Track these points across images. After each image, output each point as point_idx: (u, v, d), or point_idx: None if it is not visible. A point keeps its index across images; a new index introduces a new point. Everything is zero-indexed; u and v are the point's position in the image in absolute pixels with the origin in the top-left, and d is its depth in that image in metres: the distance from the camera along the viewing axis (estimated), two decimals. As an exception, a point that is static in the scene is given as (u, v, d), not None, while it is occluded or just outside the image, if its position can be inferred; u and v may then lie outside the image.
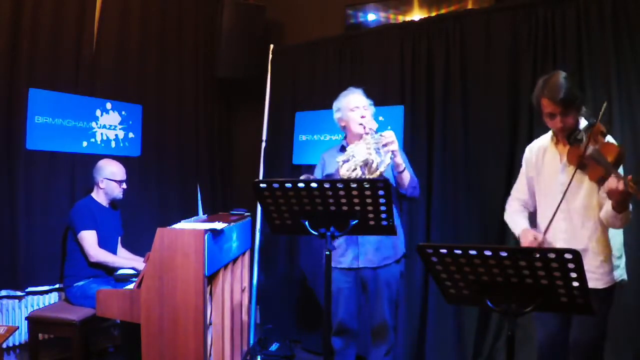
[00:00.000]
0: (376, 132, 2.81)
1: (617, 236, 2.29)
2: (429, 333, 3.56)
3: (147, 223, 3.86)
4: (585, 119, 2.26)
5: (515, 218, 2.50)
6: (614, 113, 2.90)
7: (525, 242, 2.30)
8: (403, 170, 2.72)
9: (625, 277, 2.31)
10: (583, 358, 2.26)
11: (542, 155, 2.40)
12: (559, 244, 2.29)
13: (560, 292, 1.60)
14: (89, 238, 3.28)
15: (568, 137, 2.24)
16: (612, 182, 1.98)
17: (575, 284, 1.57)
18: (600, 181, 2.11)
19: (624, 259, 2.31)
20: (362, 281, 2.91)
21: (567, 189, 2.17)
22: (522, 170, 2.53)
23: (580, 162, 2.15)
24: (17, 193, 3.43)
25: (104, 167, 3.46)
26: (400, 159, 2.71)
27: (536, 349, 2.49)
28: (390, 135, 2.65)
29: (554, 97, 2.15)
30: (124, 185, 3.52)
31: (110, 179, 3.44)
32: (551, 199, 2.30)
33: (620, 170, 2.13)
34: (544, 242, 2.24)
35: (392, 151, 2.64)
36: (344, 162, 2.70)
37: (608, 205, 2.10)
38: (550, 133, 2.38)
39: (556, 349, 2.37)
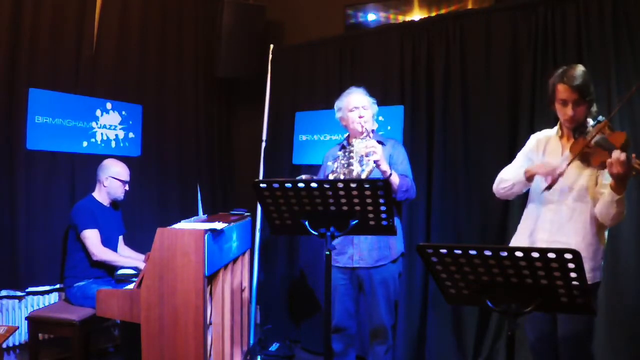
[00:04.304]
0: (375, 131, 2.84)
1: (601, 238, 2.30)
2: (429, 333, 3.56)
3: (147, 223, 3.86)
4: (593, 119, 2.26)
5: (509, 173, 2.46)
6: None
7: (545, 170, 2.25)
8: (390, 176, 2.71)
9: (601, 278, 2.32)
10: (571, 352, 2.28)
11: (546, 146, 2.41)
12: (540, 235, 2.30)
13: (560, 292, 1.60)
14: (92, 237, 3.28)
15: (574, 131, 2.25)
16: (615, 154, 2.01)
17: (575, 283, 1.57)
18: (603, 165, 2.10)
19: (603, 263, 2.33)
20: (358, 280, 2.92)
21: (568, 164, 2.17)
22: (524, 153, 2.51)
23: (583, 152, 2.15)
24: (17, 193, 3.43)
25: (110, 166, 3.46)
26: (386, 167, 2.70)
27: (528, 348, 2.50)
28: (371, 146, 2.66)
29: (571, 82, 2.20)
30: (127, 187, 3.52)
31: (115, 178, 3.44)
32: (546, 191, 2.30)
33: None
34: (562, 174, 2.20)
35: (375, 161, 2.65)
36: (330, 171, 2.79)
37: (607, 191, 2.12)
38: (556, 127, 2.39)
39: (546, 346, 2.39)
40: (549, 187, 2.24)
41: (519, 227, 2.46)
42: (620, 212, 2.14)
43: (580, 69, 2.25)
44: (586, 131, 2.21)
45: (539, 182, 2.35)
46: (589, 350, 2.31)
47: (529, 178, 2.34)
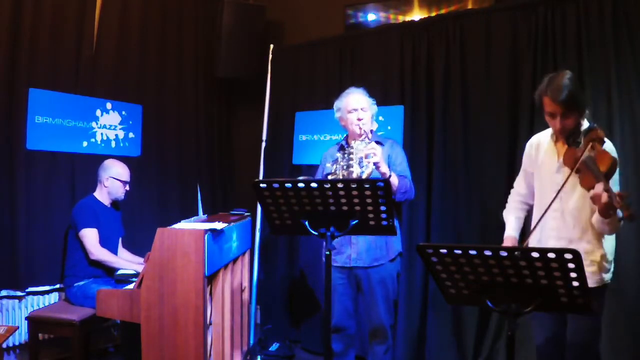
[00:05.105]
0: (373, 133, 2.86)
1: (609, 240, 2.29)
2: (429, 333, 3.56)
3: (147, 223, 3.86)
4: (588, 121, 2.26)
5: (509, 218, 2.53)
6: (614, 112, 2.90)
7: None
8: (389, 178, 2.71)
9: (610, 280, 2.31)
10: (578, 352, 2.27)
11: (540, 151, 2.40)
12: (550, 243, 2.30)
13: (560, 292, 1.60)
14: (90, 236, 3.28)
15: (567, 137, 2.23)
16: (597, 189, 1.97)
17: (575, 283, 1.57)
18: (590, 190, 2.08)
19: (613, 265, 2.31)
20: (356, 280, 2.93)
21: (560, 189, 2.16)
22: (523, 165, 2.54)
23: (575, 166, 2.14)
24: (17, 193, 3.43)
25: (111, 166, 3.47)
26: (385, 169, 2.70)
27: (535, 350, 2.49)
28: (370, 148, 2.65)
29: (555, 97, 2.14)
30: (128, 187, 3.52)
31: (115, 178, 3.45)
32: (544, 198, 2.30)
33: (615, 183, 2.15)
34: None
35: (375, 163, 2.65)
36: (329, 173, 2.79)
37: (596, 213, 2.11)
38: (550, 129, 2.38)
39: (554, 349, 2.38)
40: None
41: (529, 239, 2.46)
42: (613, 228, 2.13)
43: (565, 78, 2.16)
44: (579, 139, 2.17)
45: (540, 197, 2.36)
46: (596, 350, 2.30)
47: None
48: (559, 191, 2.17)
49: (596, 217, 2.14)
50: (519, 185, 2.56)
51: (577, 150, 2.14)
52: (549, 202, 2.22)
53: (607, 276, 2.27)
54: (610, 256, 2.29)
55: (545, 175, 2.35)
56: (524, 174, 2.52)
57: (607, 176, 2.02)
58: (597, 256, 2.23)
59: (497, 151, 3.36)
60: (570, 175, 2.15)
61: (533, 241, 2.40)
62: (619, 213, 2.07)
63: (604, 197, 1.93)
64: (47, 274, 3.56)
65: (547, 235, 2.30)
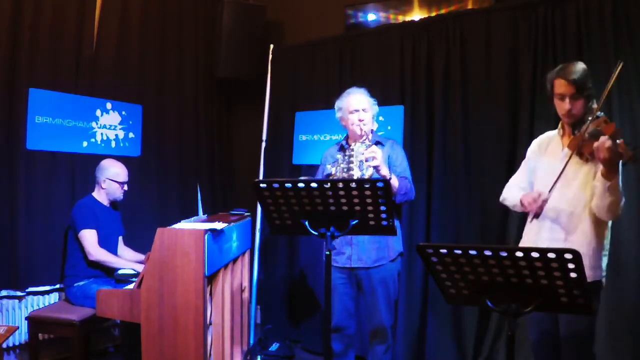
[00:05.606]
0: (373, 133, 2.85)
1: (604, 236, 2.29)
2: (429, 333, 3.56)
3: (147, 223, 3.86)
4: (593, 115, 2.27)
5: (512, 192, 2.51)
6: (613, 112, 2.90)
7: (528, 199, 2.28)
8: (389, 180, 2.70)
9: (604, 278, 2.31)
10: (573, 352, 2.28)
11: (547, 146, 2.43)
12: (546, 234, 2.30)
13: (560, 292, 1.60)
14: (89, 237, 3.28)
15: (573, 127, 2.26)
16: (601, 139, 2.03)
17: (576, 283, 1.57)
18: (593, 154, 2.11)
19: (606, 260, 2.31)
20: (357, 280, 2.92)
21: (562, 171, 2.19)
22: (525, 161, 2.54)
23: (580, 146, 2.16)
24: (17, 193, 3.43)
25: (108, 167, 3.45)
26: (386, 171, 2.70)
27: (531, 349, 2.50)
28: (371, 152, 2.64)
29: (567, 76, 2.21)
30: (126, 187, 3.51)
31: (112, 180, 3.44)
32: (546, 189, 2.30)
33: None
34: (546, 201, 2.24)
35: (375, 166, 2.65)
36: (329, 174, 2.78)
37: (599, 180, 2.12)
38: (558, 127, 2.40)
39: (550, 348, 2.39)
40: (536, 216, 2.27)
41: (526, 227, 2.46)
42: (614, 201, 2.13)
43: (579, 65, 2.26)
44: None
45: (541, 186, 2.36)
46: (591, 350, 2.31)
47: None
48: (561, 173, 2.19)
49: (597, 196, 2.15)
50: (520, 180, 2.55)
51: (580, 133, 2.18)
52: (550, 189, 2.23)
53: (598, 274, 2.27)
54: (602, 252, 2.29)
55: (548, 166, 2.36)
56: (527, 169, 2.52)
57: (612, 138, 2.05)
58: (592, 249, 2.23)
59: (497, 151, 3.36)
60: (574, 160, 2.18)
61: (529, 232, 2.40)
62: (621, 166, 2.11)
63: (608, 143, 1.99)
64: (47, 274, 3.56)
65: (543, 226, 2.31)
